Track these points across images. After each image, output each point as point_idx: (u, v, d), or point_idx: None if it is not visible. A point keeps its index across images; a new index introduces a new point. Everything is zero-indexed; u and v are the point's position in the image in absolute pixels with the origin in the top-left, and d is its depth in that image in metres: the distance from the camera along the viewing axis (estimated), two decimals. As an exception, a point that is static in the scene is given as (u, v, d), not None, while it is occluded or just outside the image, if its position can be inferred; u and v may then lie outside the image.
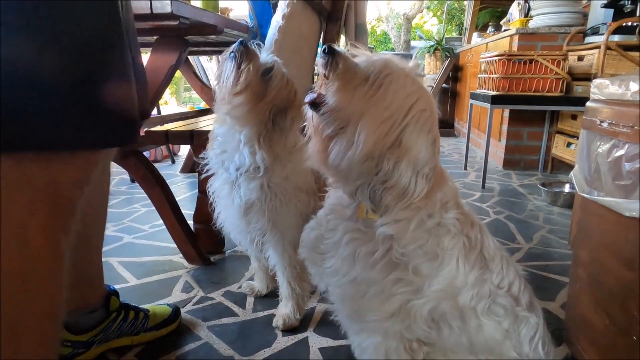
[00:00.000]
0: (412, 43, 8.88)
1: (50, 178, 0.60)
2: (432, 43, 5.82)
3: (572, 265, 1.15)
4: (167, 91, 8.58)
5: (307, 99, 0.71)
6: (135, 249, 1.84)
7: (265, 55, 1.06)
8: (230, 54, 1.02)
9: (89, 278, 1.02)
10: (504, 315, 0.74)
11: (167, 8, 1.13)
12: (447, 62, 5.33)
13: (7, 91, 0.55)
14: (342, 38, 2.09)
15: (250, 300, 1.42)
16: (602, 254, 0.99)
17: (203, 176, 1.26)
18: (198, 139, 1.51)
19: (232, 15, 2.27)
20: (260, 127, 1.07)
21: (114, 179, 2.98)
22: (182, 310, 1.34)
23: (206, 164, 1.22)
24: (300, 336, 1.22)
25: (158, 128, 1.61)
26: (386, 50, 10.48)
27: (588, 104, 1.05)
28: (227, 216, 1.23)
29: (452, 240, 0.72)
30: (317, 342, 1.20)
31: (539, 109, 2.97)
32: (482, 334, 0.74)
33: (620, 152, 0.87)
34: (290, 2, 1.39)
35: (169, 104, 8.55)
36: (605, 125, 0.95)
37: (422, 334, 0.74)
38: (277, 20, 1.38)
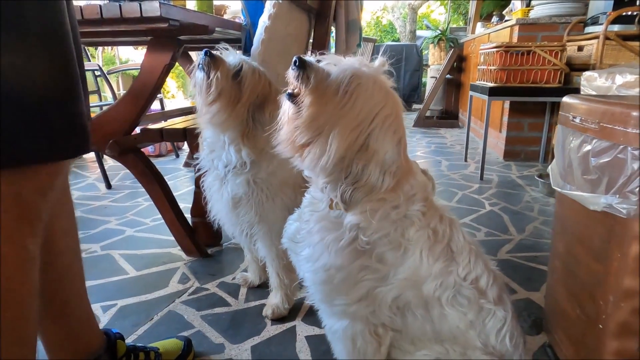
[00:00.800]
0: (418, 33, 8.82)
1: (14, 190, 0.63)
2: (437, 33, 5.77)
3: (550, 256, 1.18)
4: (174, 85, 8.66)
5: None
6: (137, 241, 1.91)
7: (232, 57, 1.09)
8: (198, 65, 1.07)
9: (78, 321, 0.92)
10: (468, 306, 0.78)
11: (157, 12, 1.17)
12: (451, 52, 5.29)
13: None
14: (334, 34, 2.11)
15: (243, 291, 1.47)
16: (575, 246, 1.03)
17: (197, 173, 1.32)
18: (191, 136, 1.56)
19: (229, 12, 2.30)
20: (242, 127, 1.11)
21: (118, 174, 3.05)
22: (178, 301, 1.41)
23: (198, 163, 1.28)
24: (288, 325, 1.28)
25: (154, 126, 1.66)
26: (393, 40, 10.40)
27: (563, 99, 1.07)
28: (218, 210, 1.29)
29: (417, 232, 0.77)
30: (304, 330, 1.25)
31: (536, 101, 2.96)
32: (445, 322, 0.79)
33: (588, 148, 0.90)
34: (276, 2, 1.42)
35: (176, 97, 8.64)
36: (577, 121, 0.97)
37: (386, 319, 0.79)
38: (264, 20, 1.42)
